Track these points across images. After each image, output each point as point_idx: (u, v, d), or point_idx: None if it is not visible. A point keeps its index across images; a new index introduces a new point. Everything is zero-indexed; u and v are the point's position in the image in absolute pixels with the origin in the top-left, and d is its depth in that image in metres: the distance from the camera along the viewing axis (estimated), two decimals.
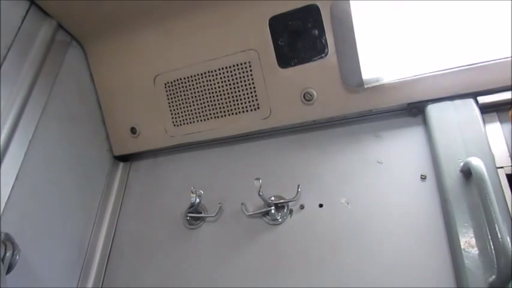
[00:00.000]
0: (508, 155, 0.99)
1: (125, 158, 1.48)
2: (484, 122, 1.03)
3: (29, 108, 1.12)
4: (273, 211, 1.13)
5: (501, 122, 1.04)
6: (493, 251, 0.83)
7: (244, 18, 1.18)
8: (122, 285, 1.22)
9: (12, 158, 1.05)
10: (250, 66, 1.22)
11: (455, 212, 0.92)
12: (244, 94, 1.24)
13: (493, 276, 0.81)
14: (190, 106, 1.31)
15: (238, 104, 1.26)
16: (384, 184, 1.08)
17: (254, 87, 1.23)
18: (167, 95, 1.32)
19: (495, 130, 1.03)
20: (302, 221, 1.11)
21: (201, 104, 1.30)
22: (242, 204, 1.17)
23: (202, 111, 1.30)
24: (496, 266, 0.81)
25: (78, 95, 1.34)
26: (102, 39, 1.31)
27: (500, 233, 0.79)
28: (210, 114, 1.29)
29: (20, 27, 1.13)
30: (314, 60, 1.16)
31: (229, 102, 1.26)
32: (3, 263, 0.89)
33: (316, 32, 1.13)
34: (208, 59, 1.25)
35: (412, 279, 0.93)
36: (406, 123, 1.15)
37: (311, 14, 1.12)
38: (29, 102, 1.12)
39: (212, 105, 1.28)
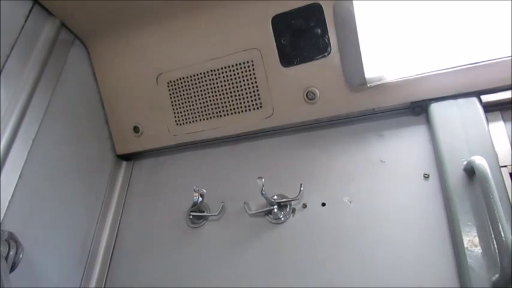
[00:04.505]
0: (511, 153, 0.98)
1: (128, 157, 1.48)
2: (488, 120, 1.03)
3: (32, 107, 1.12)
4: (275, 210, 1.13)
5: (504, 120, 1.04)
6: (496, 250, 0.83)
7: (247, 17, 1.18)
8: (125, 284, 1.22)
9: (15, 157, 1.05)
10: (252, 65, 1.22)
11: (458, 211, 0.92)
12: (246, 93, 1.24)
13: (496, 275, 0.81)
14: (193, 105, 1.31)
15: (240, 103, 1.26)
16: (387, 183, 1.08)
17: (257, 86, 1.23)
18: (170, 94, 1.33)
19: (498, 129, 1.03)
20: (305, 220, 1.11)
21: (203, 103, 1.30)
22: (245, 203, 1.18)
23: (205, 110, 1.30)
24: (499, 265, 0.81)
25: (81, 94, 1.34)
26: (105, 38, 1.31)
27: (503, 232, 0.79)
28: (213, 113, 1.29)
29: (23, 26, 1.14)
30: (317, 59, 1.16)
31: (232, 101, 1.26)
32: (6, 261, 0.89)
33: (319, 30, 1.13)
34: (210, 58, 1.25)
35: (415, 278, 0.93)
36: (409, 122, 1.15)
37: (314, 12, 1.12)
38: (32, 101, 1.13)
39: (215, 104, 1.28)
